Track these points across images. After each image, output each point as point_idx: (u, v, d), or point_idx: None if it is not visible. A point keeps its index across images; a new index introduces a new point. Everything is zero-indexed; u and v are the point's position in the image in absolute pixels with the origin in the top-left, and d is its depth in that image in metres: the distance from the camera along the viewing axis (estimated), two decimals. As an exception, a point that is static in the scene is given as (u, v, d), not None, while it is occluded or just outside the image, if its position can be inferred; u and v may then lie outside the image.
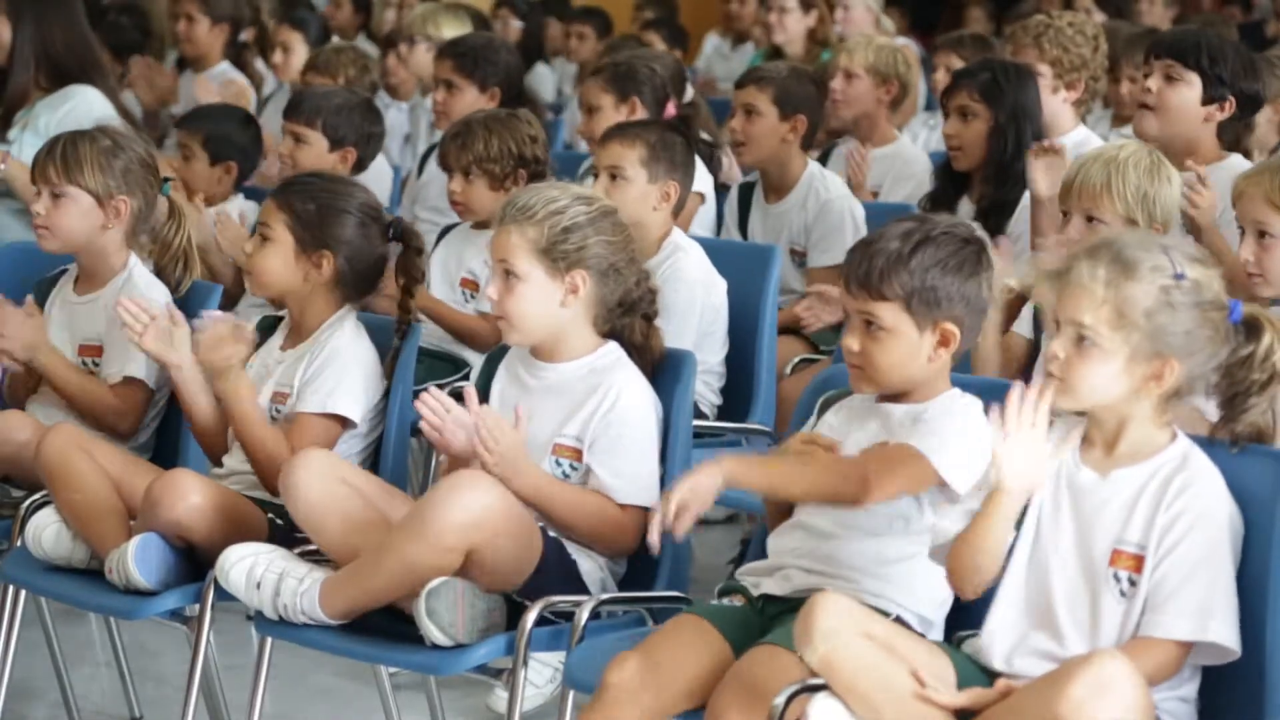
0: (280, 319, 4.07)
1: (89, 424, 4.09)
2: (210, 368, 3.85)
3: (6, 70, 5.40)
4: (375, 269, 3.98)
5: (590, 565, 3.58)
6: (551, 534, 3.54)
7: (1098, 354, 2.89)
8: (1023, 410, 2.89)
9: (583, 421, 3.57)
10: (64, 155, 4.19)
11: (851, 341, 3.25)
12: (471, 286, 5.04)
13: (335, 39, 8.44)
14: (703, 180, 5.64)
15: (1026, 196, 4.92)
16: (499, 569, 3.45)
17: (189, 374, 3.91)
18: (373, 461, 3.95)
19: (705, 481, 3.14)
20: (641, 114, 5.53)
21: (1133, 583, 2.91)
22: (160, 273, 4.30)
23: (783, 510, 3.40)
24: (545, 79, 9.23)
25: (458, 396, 3.61)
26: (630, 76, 5.62)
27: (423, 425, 3.57)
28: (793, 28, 8.14)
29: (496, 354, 3.77)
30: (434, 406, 3.56)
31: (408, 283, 3.98)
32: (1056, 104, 5.35)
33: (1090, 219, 4.09)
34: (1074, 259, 2.94)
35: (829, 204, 5.31)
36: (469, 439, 3.52)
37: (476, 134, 4.98)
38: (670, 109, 5.64)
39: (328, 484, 3.56)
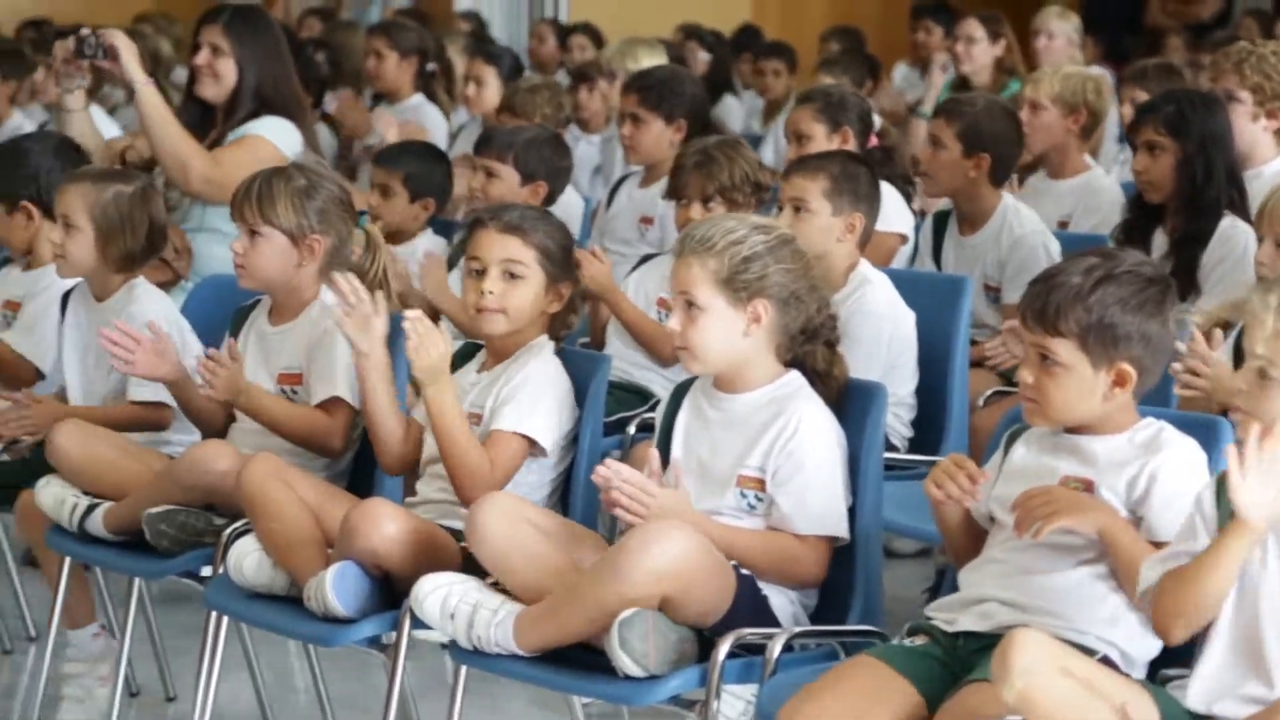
0: (479, 346, 4.10)
1: (299, 449, 4.16)
2: (421, 372, 3.84)
3: (227, 107, 5.53)
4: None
5: (781, 600, 3.57)
6: (744, 572, 3.53)
7: (1274, 387, 2.83)
8: (1262, 445, 2.80)
9: (764, 452, 3.56)
10: (259, 195, 4.24)
11: (1026, 375, 3.22)
12: (668, 306, 5.06)
13: (528, 74, 8.52)
14: (904, 220, 5.62)
15: (1221, 227, 4.87)
16: (693, 612, 3.45)
17: (375, 363, 3.93)
18: (563, 492, 3.97)
19: (1078, 524, 3.13)
20: (852, 144, 5.54)
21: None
22: (358, 304, 4.36)
23: (968, 545, 3.37)
24: (733, 111, 9.24)
25: (646, 428, 3.61)
26: (841, 106, 5.65)
27: (604, 497, 3.53)
28: (979, 57, 8.09)
29: (683, 386, 3.76)
30: (607, 476, 3.50)
31: (570, 312, 4.03)
32: (1256, 132, 5.28)
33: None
34: (1252, 290, 2.89)
35: (1022, 239, 5.25)
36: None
37: (720, 162, 4.97)
38: (873, 139, 5.65)
39: (513, 526, 3.56)
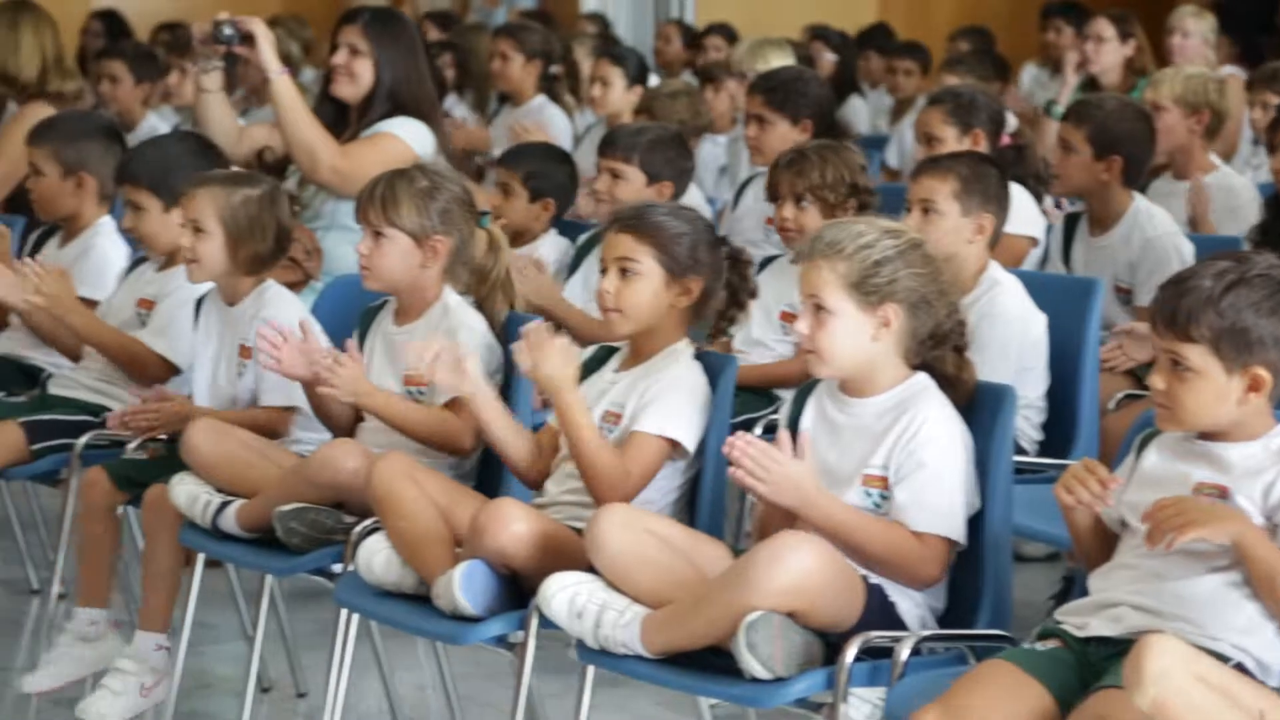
0: (614, 349, 4.09)
1: (428, 448, 4.18)
2: (541, 382, 3.88)
3: (362, 107, 5.59)
4: (718, 289, 3.99)
5: (909, 604, 3.55)
6: (872, 580, 3.52)
7: None
8: None
9: (888, 450, 3.55)
10: (383, 197, 4.28)
11: (1158, 380, 3.18)
12: (791, 320, 5.04)
13: (655, 76, 8.53)
14: (1035, 223, 5.57)
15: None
16: (821, 623, 3.44)
17: (482, 401, 3.96)
18: (691, 495, 3.97)
19: (1211, 534, 3.07)
20: (984, 146, 5.51)
21: None
22: (481, 304, 4.38)
23: (1098, 549, 3.34)
24: (859, 111, 9.20)
25: (772, 430, 3.60)
26: (972, 107, 5.62)
27: (734, 473, 3.51)
28: (1107, 58, 8.00)
29: (806, 389, 3.75)
30: (746, 450, 3.47)
31: (733, 306, 4.00)
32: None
33: None
34: None
35: (1153, 241, 5.21)
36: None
37: (812, 161, 4.99)
38: (1004, 139, 5.61)
39: (632, 534, 3.56)
